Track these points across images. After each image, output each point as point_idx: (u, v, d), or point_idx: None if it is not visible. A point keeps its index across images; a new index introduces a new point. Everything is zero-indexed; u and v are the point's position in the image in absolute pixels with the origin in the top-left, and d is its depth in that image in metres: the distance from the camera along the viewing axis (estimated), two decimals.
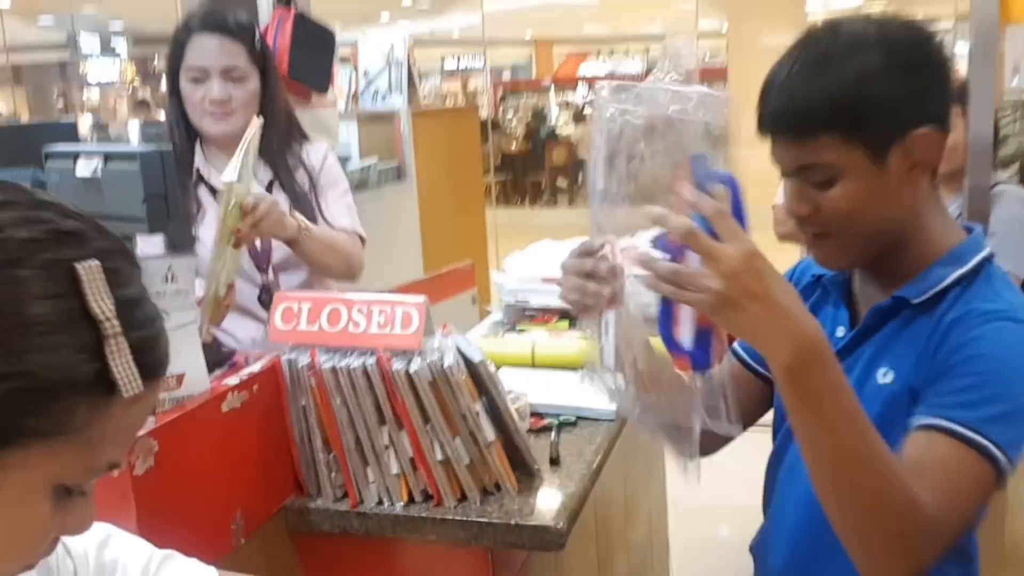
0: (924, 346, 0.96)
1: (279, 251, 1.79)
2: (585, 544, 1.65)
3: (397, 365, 1.18)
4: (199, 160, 1.80)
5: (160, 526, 1.02)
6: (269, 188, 1.81)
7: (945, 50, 0.96)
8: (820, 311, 1.12)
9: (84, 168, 0.97)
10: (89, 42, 12.41)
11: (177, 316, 1.13)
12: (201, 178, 1.79)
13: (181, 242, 1.62)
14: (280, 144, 1.83)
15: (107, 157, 0.96)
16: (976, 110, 2.05)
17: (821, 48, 0.94)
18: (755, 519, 1.24)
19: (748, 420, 1.12)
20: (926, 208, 0.99)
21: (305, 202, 1.84)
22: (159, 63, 14.61)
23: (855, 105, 0.91)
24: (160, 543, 1.02)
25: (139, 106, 12.39)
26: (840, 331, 1.07)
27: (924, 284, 0.98)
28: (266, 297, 1.81)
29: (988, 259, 0.99)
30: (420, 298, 1.22)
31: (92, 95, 15.03)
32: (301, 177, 1.85)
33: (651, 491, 2.40)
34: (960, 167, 2.16)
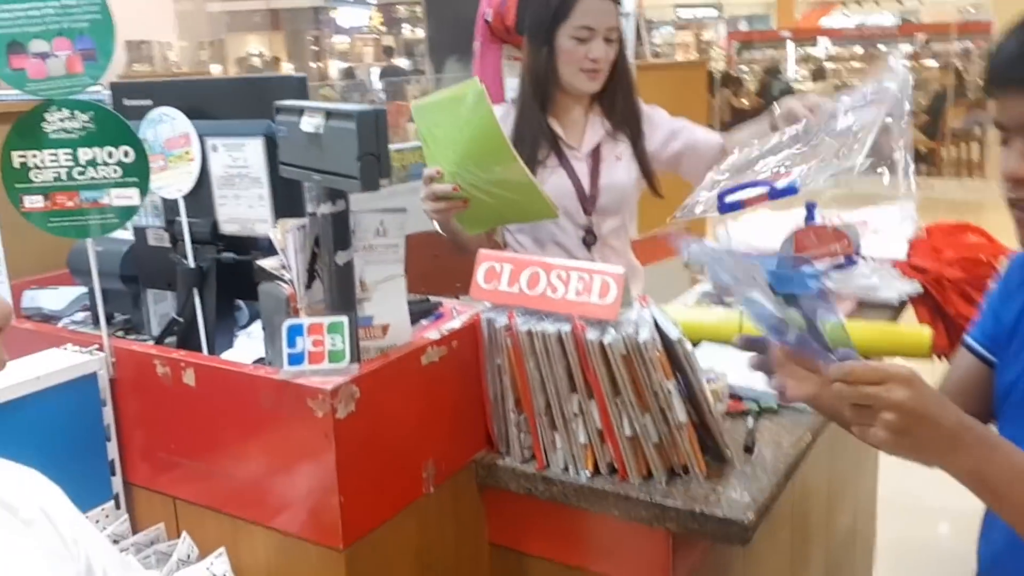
0: None
1: (605, 196, 1.88)
2: (778, 535, 1.57)
3: (591, 335, 1.16)
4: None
5: (357, 467, 1.08)
6: (599, 146, 1.89)
7: None
8: None
9: (308, 124, 1.02)
10: None
11: (386, 268, 1.18)
12: (550, 127, 1.88)
13: None
14: (629, 103, 1.91)
15: (328, 114, 1.01)
16: None
17: None
18: (973, 524, 1.13)
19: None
20: None
21: (647, 158, 1.93)
22: (403, 10, 15.33)
23: None
24: (356, 482, 1.09)
25: (385, 52, 13.09)
26: None
27: None
28: (590, 239, 1.92)
29: None
30: (619, 268, 1.19)
31: (342, 40, 16.06)
32: (649, 134, 1.94)
33: (859, 485, 2.24)
34: None
